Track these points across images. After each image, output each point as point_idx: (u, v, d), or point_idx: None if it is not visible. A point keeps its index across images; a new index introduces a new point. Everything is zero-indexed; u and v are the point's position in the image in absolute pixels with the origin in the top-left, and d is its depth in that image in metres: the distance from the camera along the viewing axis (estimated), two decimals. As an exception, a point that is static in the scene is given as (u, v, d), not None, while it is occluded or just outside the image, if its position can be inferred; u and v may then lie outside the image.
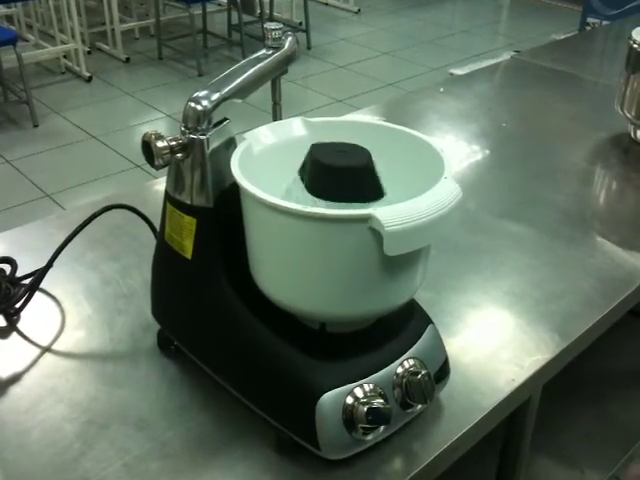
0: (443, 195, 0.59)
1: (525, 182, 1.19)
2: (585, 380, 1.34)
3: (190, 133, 0.67)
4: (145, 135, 0.65)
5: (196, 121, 0.66)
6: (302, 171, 0.65)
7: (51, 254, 0.86)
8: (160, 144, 0.65)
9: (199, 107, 0.66)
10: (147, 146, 0.65)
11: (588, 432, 1.30)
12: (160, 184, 1.10)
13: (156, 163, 0.65)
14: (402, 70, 4.18)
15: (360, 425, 0.63)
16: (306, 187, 0.64)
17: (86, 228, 0.86)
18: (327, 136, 0.67)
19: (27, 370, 0.79)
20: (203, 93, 0.67)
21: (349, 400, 0.63)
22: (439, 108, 1.47)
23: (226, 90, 0.68)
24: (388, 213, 0.56)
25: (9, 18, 4.54)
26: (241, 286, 0.68)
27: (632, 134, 1.33)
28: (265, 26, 0.74)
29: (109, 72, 4.17)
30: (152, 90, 3.93)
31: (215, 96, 0.67)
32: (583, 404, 1.34)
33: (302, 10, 4.51)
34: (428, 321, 0.72)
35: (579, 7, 4.36)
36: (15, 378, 0.77)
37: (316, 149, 0.64)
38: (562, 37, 3.60)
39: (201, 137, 0.67)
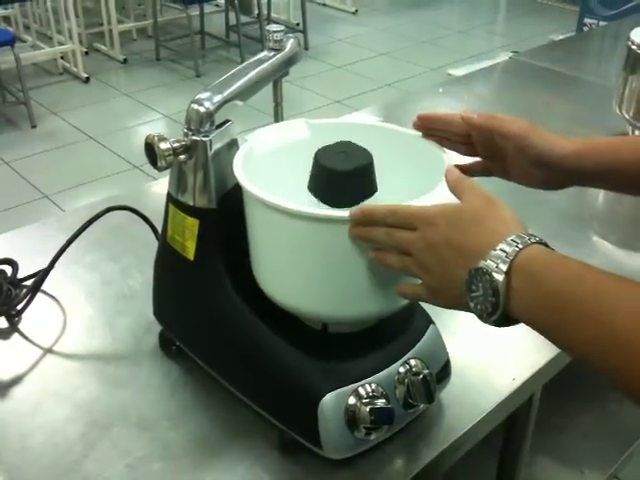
0: (445, 196, 0.59)
1: (524, 183, 1.19)
2: (584, 379, 1.34)
3: (193, 135, 0.67)
4: (148, 137, 0.65)
5: (199, 123, 0.66)
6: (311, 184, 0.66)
7: (51, 256, 0.86)
8: (163, 146, 0.65)
9: (202, 109, 0.66)
10: (150, 148, 0.65)
11: (587, 431, 1.30)
12: (159, 185, 1.10)
13: (159, 165, 0.65)
14: (400, 71, 4.18)
15: (362, 425, 0.63)
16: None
17: (86, 229, 0.86)
18: (329, 138, 0.67)
19: (29, 372, 0.79)
20: (206, 95, 0.67)
21: (351, 400, 0.63)
22: (439, 109, 1.47)
23: (228, 92, 0.68)
24: (391, 214, 0.56)
25: (6, 19, 4.53)
26: (243, 287, 0.69)
27: (631, 134, 1.33)
28: (267, 28, 0.74)
29: (107, 73, 4.16)
30: (150, 91, 3.93)
31: (217, 98, 0.67)
32: (582, 403, 1.34)
33: (300, 11, 4.51)
34: (429, 321, 0.73)
35: (576, 7, 4.37)
36: (17, 380, 0.77)
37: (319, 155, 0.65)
38: (560, 38, 3.61)
39: (204, 139, 0.67)
